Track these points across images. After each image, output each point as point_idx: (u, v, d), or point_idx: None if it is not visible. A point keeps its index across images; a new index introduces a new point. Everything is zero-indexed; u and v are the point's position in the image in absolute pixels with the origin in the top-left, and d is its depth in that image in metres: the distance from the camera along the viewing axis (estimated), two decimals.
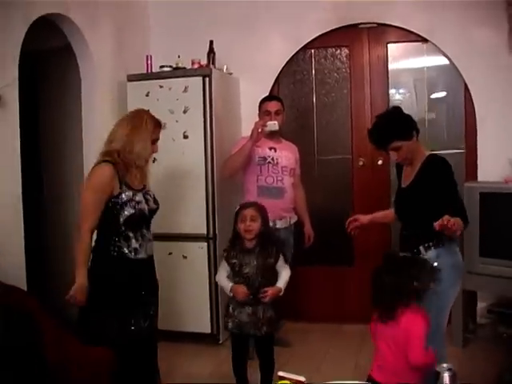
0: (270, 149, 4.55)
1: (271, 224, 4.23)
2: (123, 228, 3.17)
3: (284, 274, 3.66)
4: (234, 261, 3.61)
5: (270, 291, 3.54)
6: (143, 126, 3.20)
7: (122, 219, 3.16)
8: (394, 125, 3.14)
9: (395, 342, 2.63)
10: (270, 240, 3.71)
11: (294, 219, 4.71)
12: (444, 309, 3.13)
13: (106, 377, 2.84)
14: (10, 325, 2.43)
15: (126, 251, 3.18)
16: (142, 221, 3.27)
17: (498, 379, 2.84)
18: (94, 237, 3.21)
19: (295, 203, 4.70)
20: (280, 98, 4.80)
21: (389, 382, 2.18)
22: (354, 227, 3.57)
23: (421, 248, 3.11)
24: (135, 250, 3.20)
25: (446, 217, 2.82)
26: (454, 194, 3.08)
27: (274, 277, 3.63)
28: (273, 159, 4.53)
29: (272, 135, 4.52)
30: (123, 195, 3.15)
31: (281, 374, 1.69)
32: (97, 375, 2.82)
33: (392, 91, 5.19)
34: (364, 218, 3.56)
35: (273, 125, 4.41)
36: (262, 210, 3.68)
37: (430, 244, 3.08)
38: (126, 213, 3.16)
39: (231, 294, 3.59)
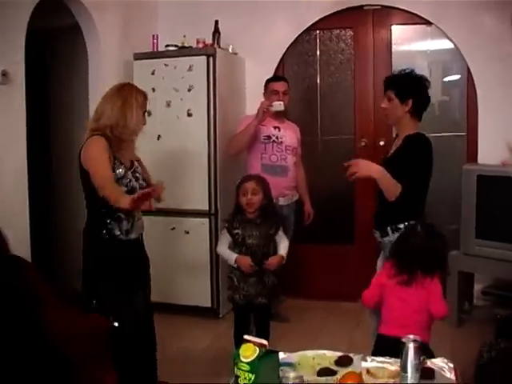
0: (275, 128, 4.63)
1: (274, 201, 4.37)
2: (115, 207, 3.07)
3: (284, 244, 3.74)
4: (237, 231, 3.67)
5: (275, 259, 3.64)
6: (133, 99, 3.15)
7: None
8: (400, 78, 3.30)
9: (420, 301, 2.79)
10: (272, 212, 3.78)
11: (296, 197, 4.80)
12: None
13: (104, 344, 2.93)
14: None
15: (118, 233, 3.14)
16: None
17: (478, 356, 2.91)
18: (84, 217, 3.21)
19: (296, 182, 4.79)
20: (286, 78, 4.87)
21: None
22: (351, 174, 3.15)
23: (388, 228, 3.20)
24: (126, 231, 3.17)
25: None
26: (412, 171, 3.10)
27: (274, 247, 3.73)
28: (277, 138, 4.61)
29: (276, 115, 4.59)
30: (117, 172, 3.10)
31: (246, 337, 1.79)
32: (95, 342, 2.91)
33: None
34: (366, 170, 3.17)
35: (279, 105, 4.48)
36: (263, 183, 3.73)
37: (397, 226, 3.15)
38: None
39: (235, 265, 3.64)
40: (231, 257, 3.66)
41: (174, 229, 4.88)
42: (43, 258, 4.62)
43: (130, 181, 3.18)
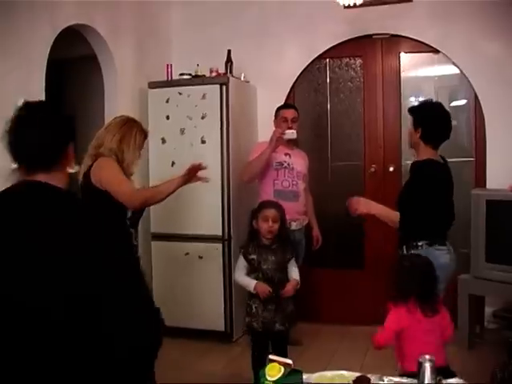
0: (286, 154, 4.71)
1: (287, 226, 4.48)
2: (128, 224, 3.25)
3: (295, 269, 3.83)
4: (253, 257, 3.73)
5: (291, 285, 3.72)
6: (133, 137, 3.27)
7: (128, 215, 3.26)
8: (416, 106, 3.61)
9: (442, 330, 2.94)
10: (286, 237, 3.89)
11: (306, 221, 4.87)
12: None
13: None
14: None
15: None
16: (139, 218, 3.42)
17: (491, 376, 2.96)
18: None
19: (306, 207, 4.88)
20: (295, 106, 4.97)
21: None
22: (353, 212, 3.47)
23: (404, 247, 3.38)
24: (136, 246, 3.35)
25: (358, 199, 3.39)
26: (413, 196, 3.33)
27: (287, 274, 3.80)
28: (288, 164, 4.69)
29: (287, 142, 4.69)
30: None
31: (271, 357, 1.86)
32: None
33: (412, 99, 5.31)
34: (365, 208, 3.45)
35: (291, 133, 4.58)
36: (281, 211, 3.83)
37: (410, 245, 3.34)
38: (129, 210, 3.27)
39: (254, 292, 3.68)
40: (250, 283, 3.70)
41: (187, 254, 4.96)
42: None
43: None
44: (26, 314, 1.58)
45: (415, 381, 2.16)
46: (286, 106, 4.94)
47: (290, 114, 4.73)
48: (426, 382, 2.09)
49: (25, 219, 1.64)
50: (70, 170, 1.85)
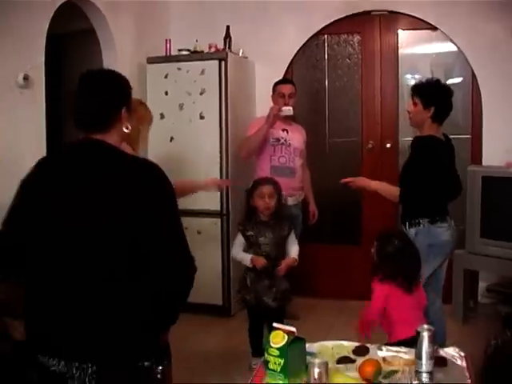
0: (283, 130, 4.73)
1: (283, 201, 4.49)
2: None
3: (294, 247, 3.88)
4: (250, 233, 3.79)
5: (288, 261, 3.77)
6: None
7: None
8: (426, 85, 3.53)
9: (420, 305, 3.09)
10: (283, 214, 3.93)
11: (302, 197, 4.92)
12: None
13: None
14: None
15: None
16: None
17: (486, 346, 3.04)
18: None
19: (303, 182, 4.92)
20: (293, 81, 4.98)
21: None
22: (352, 184, 3.71)
23: (406, 223, 3.46)
24: None
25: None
26: (414, 172, 3.39)
27: (285, 249, 3.85)
28: (285, 140, 4.72)
29: (285, 118, 4.72)
30: None
31: (275, 325, 1.92)
32: None
33: (408, 76, 5.34)
34: (365, 183, 3.71)
35: (288, 110, 4.60)
36: (277, 187, 3.87)
37: (412, 222, 3.42)
38: None
39: (251, 265, 3.74)
40: (247, 257, 3.77)
41: (186, 229, 4.93)
42: None
43: None
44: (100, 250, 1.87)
45: (412, 350, 2.21)
46: (283, 81, 4.93)
47: (287, 89, 4.73)
48: (424, 350, 2.13)
49: (87, 169, 1.94)
50: (125, 130, 2.07)
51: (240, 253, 3.84)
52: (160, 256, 1.95)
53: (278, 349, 1.83)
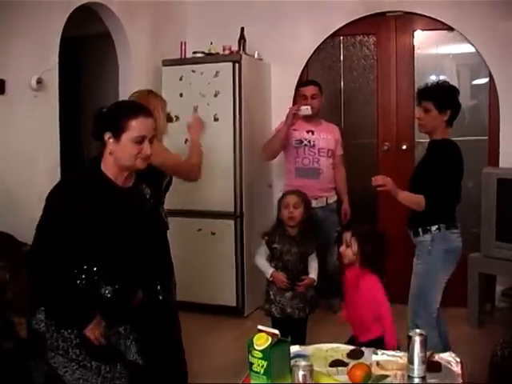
0: (308, 132, 4.77)
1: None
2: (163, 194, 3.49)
3: (314, 265, 3.75)
4: (276, 246, 3.70)
5: (307, 281, 3.65)
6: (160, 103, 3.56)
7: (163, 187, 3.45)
8: (437, 89, 3.40)
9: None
10: (312, 228, 3.80)
11: (333, 199, 4.90)
12: (434, 288, 3.34)
13: None
14: None
15: None
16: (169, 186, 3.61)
17: (492, 354, 3.01)
18: None
19: (335, 182, 4.91)
20: (317, 82, 4.96)
21: None
22: (378, 187, 3.39)
23: (419, 229, 3.35)
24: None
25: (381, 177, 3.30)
26: (436, 177, 3.26)
27: (307, 264, 3.75)
28: (309, 142, 4.75)
29: (310, 118, 4.73)
30: None
31: (259, 327, 1.92)
32: None
33: (432, 77, 5.25)
34: (393, 191, 3.36)
35: (306, 109, 4.60)
36: (304, 197, 3.78)
37: (428, 228, 3.32)
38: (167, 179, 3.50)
39: (271, 279, 3.68)
40: (268, 270, 3.69)
41: (200, 230, 5.03)
42: None
43: None
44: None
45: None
46: (306, 82, 4.95)
47: (308, 90, 4.77)
48: (416, 354, 2.12)
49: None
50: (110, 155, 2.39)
51: (263, 262, 3.76)
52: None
53: (261, 351, 1.84)
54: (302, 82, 4.94)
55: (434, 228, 3.31)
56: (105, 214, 2.37)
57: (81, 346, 2.34)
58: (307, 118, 4.72)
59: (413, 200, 3.33)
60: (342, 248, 3.07)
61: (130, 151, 2.40)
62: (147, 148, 2.42)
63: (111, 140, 2.37)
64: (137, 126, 2.39)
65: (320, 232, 4.24)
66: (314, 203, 4.64)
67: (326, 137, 4.80)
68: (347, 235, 3.07)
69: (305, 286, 3.66)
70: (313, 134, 4.76)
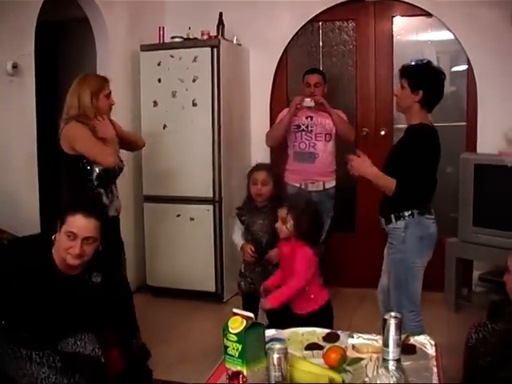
0: (307, 117, 4.82)
1: (303, 186, 4.67)
2: (95, 184, 3.39)
3: None
4: (244, 218, 3.76)
5: (274, 251, 3.60)
6: (88, 85, 3.42)
7: (94, 175, 3.38)
8: (415, 68, 3.29)
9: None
10: (280, 200, 3.70)
11: (331, 184, 4.89)
12: (412, 276, 3.24)
13: None
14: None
15: None
16: (112, 177, 3.50)
17: (467, 337, 3.04)
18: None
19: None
20: (321, 70, 5.00)
21: None
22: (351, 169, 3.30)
23: (392, 216, 3.23)
24: (105, 207, 3.41)
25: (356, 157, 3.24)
26: (411, 161, 3.14)
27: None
28: (307, 127, 4.80)
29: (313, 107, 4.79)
30: None
31: (234, 310, 1.93)
32: None
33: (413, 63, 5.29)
34: (362, 168, 3.27)
35: (309, 101, 4.70)
36: (273, 174, 3.79)
37: (400, 214, 3.20)
38: (97, 169, 3.39)
39: (241, 252, 3.74)
40: (239, 243, 3.75)
41: (179, 216, 5.02)
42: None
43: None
44: None
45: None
46: (310, 71, 4.94)
47: (312, 79, 4.80)
48: (391, 337, 2.14)
49: None
50: None
51: (237, 238, 3.80)
52: None
53: (235, 334, 1.85)
54: (307, 70, 4.91)
55: (407, 214, 3.18)
56: (31, 292, 2.59)
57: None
58: (310, 108, 4.79)
59: (384, 180, 3.18)
60: (278, 224, 3.22)
61: (62, 244, 2.62)
62: (76, 247, 2.59)
63: (58, 229, 2.64)
64: (71, 222, 2.60)
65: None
66: (310, 187, 4.77)
67: (323, 122, 4.82)
68: (283, 211, 3.20)
69: (274, 256, 3.61)
70: (311, 119, 4.82)
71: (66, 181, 3.52)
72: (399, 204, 3.21)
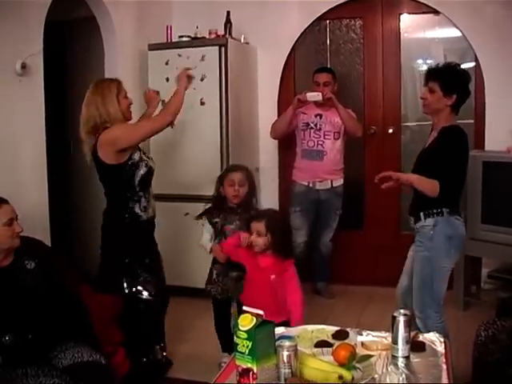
0: (316, 116, 4.86)
1: (311, 185, 4.74)
2: (138, 189, 3.36)
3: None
4: (217, 220, 3.62)
5: (217, 249, 3.53)
6: (108, 91, 3.37)
7: (137, 179, 3.34)
8: (447, 71, 3.24)
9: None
10: (252, 203, 3.72)
11: (339, 182, 4.93)
12: (438, 276, 3.21)
13: (110, 320, 3.14)
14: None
15: (138, 211, 3.38)
16: (150, 179, 3.49)
17: (476, 335, 3.05)
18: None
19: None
20: (331, 69, 5.02)
21: None
22: (386, 185, 3.29)
23: (421, 214, 3.20)
24: (145, 208, 3.41)
25: (390, 172, 3.18)
26: (447, 162, 3.12)
27: None
28: (315, 125, 4.85)
29: (322, 104, 4.80)
30: (135, 155, 3.34)
31: (245, 308, 1.94)
32: (104, 319, 3.10)
33: (419, 61, 5.37)
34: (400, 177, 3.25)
35: (316, 95, 4.71)
36: (249, 174, 3.73)
37: (430, 212, 3.17)
38: (140, 172, 3.35)
39: (211, 254, 3.64)
40: (208, 247, 3.66)
41: (187, 214, 5.02)
42: (62, 240, 4.81)
43: (147, 162, 3.45)
44: None
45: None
46: (319, 69, 4.97)
47: (321, 78, 4.84)
48: (400, 334, 2.15)
49: None
50: None
51: (206, 242, 3.70)
52: None
53: (245, 331, 1.86)
54: (317, 69, 4.94)
55: (436, 211, 3.15)
56: None
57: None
58: (318, 104, 4.81)
59: (429, 184, 3.12)
60: (253, 237, 3.18)
61: (5, 234, 2.74)
62: (17, 226, 2.80)
63: None
64: (3, 213, 2.75)
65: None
66: (317, 185, 4.81)
67: (332, 120, 4.85)
68: (259, 226, 3.17)
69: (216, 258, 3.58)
70: (320, 117, 4.86)
71: (107, 191, 3.46)
72: (431, 203, 3.17)
